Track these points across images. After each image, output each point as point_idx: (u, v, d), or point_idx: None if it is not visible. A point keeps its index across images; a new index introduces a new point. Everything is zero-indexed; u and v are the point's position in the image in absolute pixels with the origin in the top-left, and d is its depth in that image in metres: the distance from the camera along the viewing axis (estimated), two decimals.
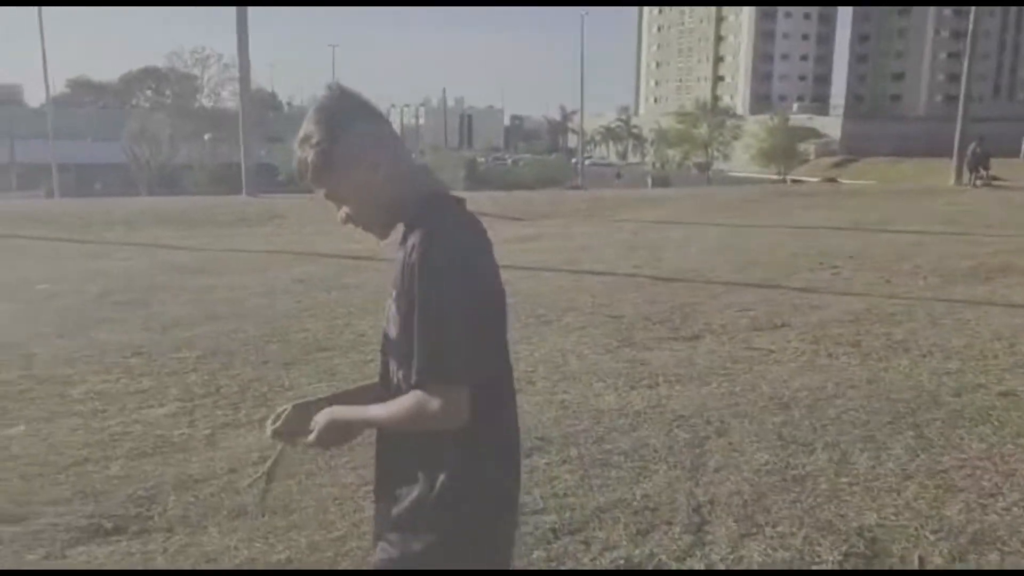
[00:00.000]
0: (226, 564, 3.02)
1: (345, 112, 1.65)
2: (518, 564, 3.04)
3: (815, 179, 46.51)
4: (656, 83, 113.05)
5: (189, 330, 6.82)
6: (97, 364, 5.83)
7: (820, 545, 3.17)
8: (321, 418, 1.71)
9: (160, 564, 3.06)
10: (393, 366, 1.68)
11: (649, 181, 51.27)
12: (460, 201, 1.71)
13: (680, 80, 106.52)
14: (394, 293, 1.62)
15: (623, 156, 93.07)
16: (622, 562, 3.04)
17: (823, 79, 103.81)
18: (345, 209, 1.69)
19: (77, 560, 3.08)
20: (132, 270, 9.99)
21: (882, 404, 4.77)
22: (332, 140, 1.62)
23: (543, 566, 3.02)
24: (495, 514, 1.70)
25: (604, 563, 3.04)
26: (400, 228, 1.68)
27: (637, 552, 3.11)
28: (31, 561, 3.06)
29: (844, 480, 3.74)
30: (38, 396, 5.14)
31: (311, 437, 1.71)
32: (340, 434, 1.72)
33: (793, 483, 3.71)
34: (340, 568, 3.03)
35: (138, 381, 5.47)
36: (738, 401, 4.86)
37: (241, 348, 6.25)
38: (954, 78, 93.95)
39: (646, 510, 3.45)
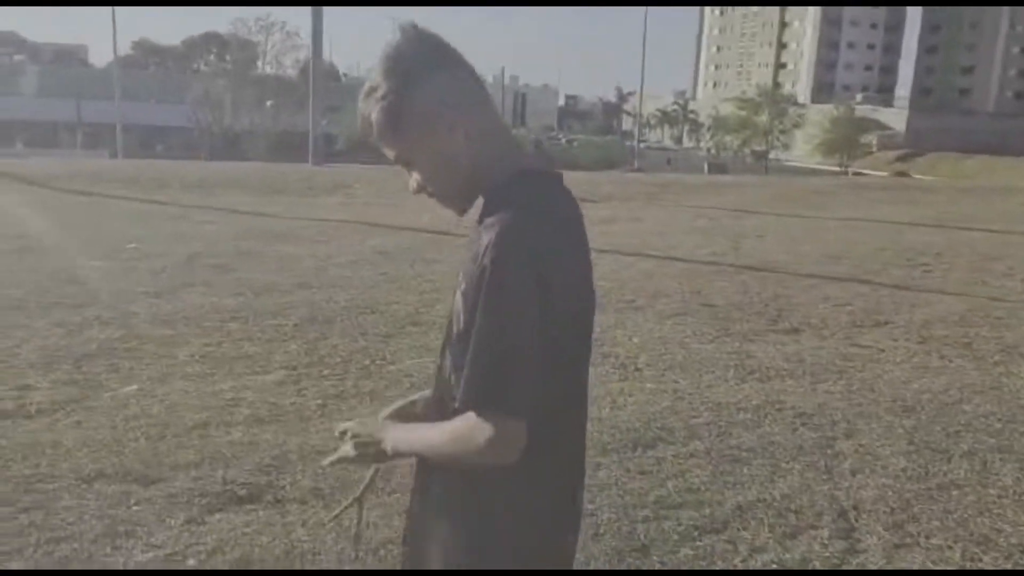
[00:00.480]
0: (371, 541, 2.96)
1: (419, 59, 1.36)
2: (667, 558, 2.94)
3: (880, 173, 45.42)
4: (716, 67, 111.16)
5: (282, 297, 6.82)
6: (196, 327, 5.85)
7: (982, 562, 3.02)
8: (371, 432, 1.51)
9: (301, 536, 3.01)
10: (449, 363, 1.44)
11: (706, 167, 50.49)
12: (555, 177, 1.45)
13: (741, 65, 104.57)
14: (463, 285, 1.36)
15: (678, 141, 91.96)
16: (774, 565, 2.92)
17: (889, 70, 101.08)
18: (416, 176, 1.43)
19: (218, 527, 3.05)
20: (214, 234, 10.06)
21: (1014, 412, 4.56)
22: (400, 94, 1.35)
23: (692, 564, 2.92)
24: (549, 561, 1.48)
25: (755, 565, 2.93)
26: (480, 204, 1.43)
27: (788, 556, 2.99)
28: (173, 525, 3.04)
29: (992, 492, 3.57)
30: (145, 356, 5.16)
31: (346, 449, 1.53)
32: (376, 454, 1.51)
33: (938, 492, 3.55)
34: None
35: (240, 346, 5.47)
36: (859, 401, 4.68)
37: (336, 318, 6.23)
38: None
39: (788, 511, 3.32)
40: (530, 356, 1.30)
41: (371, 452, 1.49)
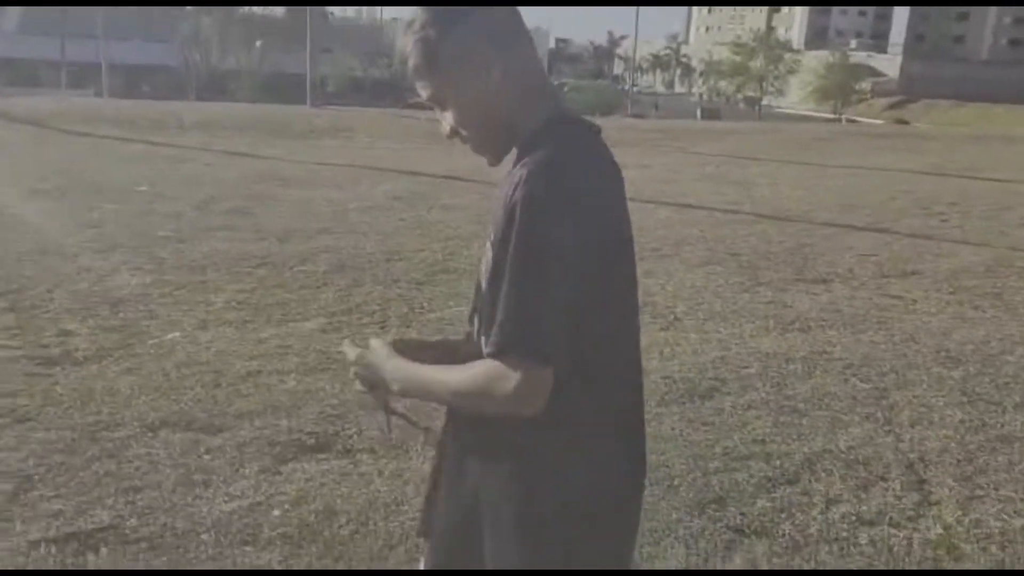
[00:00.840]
0: None
1: None
2: (745, 509, 2.95)
3: (874, 120, 45.20)
4: (709, 11, 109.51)
5: (306, 243, 6.74)
6: (226, 273, 5.77)
7: None
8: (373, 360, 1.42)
9: (379, 486, 3.00)
10: (477, 323, 1.36)
11: (699, 113, 50.01)
12: (592, 128, 1.36)
13: (735, 8, 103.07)
14: (492, 236, 1.28)
15: (670, 86, 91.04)
16: (853, 518, 2.94)
17: (884, 15, 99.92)
18: (450, 118, 1.35)
19: (294, 476, 3.03)
20: (223, 177, 9.90)
21: None
22: (437, 29, 1.29)
23: (769, 515, 2.92)
24: (614, 537, 1.40)
25: (834, 517, 2.93)
26: (512, 155, 1.35)
27: (864, 508, 3.00)
28: (248, 475, 3.02)
29: None
30: (180, 302, 5.09)
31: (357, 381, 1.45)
32: (380, 390, 1.42)
33: (999, 443, 3.56)
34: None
35: (273, 293, 5.40)
36: (904, 352, 4.69)
37: (366, 265, 6.16)
38: (1021, 21, 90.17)
39: (856, 463, 3.33)
40: (563, 301, 1.21)
41: (377, 391, 1.43)
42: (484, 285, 1.31)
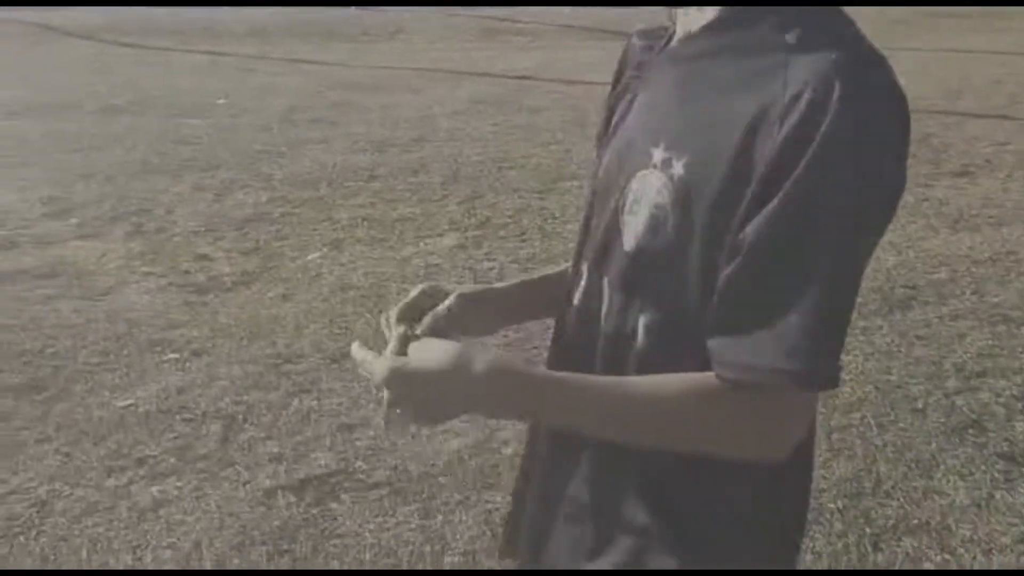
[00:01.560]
0: None
1: None
2: (1007, 434, 2.69)
3: None
4: None
5: (408, 152, 6.42)
6: (340, 188, 5.51)
7: None
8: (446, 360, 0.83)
9: None
10: (619, 300, 0.88)
11: None
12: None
13: None
14: (685, 158, 0.82)
15: None
16: None
17: None
18: None
19: None
20: (297, 86, 9.51)
21: None
22: None
23: (1022, 446, 2.66)
24: None
25: None
26: (715, 38, 0.86)
27: None
28: None
29: None
30: (305, 220, 4.86)
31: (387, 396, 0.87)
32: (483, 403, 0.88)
33: None
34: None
35: (395, 207, 5.14)
36: None
37: (478, 174, 5.85)
38: None
39: None
40: (855, 294, 0.84)
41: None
42: (646, 239, 0.84)
